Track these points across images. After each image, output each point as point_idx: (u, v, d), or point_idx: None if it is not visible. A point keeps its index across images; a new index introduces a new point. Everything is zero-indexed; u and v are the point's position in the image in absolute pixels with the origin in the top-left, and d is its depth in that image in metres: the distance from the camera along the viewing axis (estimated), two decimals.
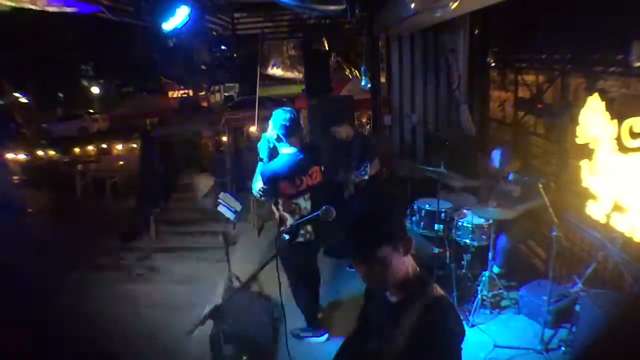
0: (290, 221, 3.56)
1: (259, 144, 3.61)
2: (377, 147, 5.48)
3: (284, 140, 3.53)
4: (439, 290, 1.61)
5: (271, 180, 3.48)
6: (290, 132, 3.51)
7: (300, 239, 3.54)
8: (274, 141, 3.55)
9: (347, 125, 4.93)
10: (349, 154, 4.82)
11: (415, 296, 1.57)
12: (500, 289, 4.25)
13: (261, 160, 3.58)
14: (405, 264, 1.60)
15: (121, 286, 5.38)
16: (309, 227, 3.57)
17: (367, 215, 1.61)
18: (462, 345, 1.54)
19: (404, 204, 4.97)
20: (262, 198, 3.69)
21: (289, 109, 3.63)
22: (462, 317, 2.02)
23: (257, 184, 3.54)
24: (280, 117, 3.48)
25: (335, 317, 4.24)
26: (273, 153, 3.62)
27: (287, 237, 2.97)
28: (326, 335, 3.99)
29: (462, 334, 1.55)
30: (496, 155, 4.43)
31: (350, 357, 1.93)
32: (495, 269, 4.32)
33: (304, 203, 3.62)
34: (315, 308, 4.01)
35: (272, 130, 3.52)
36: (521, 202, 4.17)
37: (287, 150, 3.56)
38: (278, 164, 3.53)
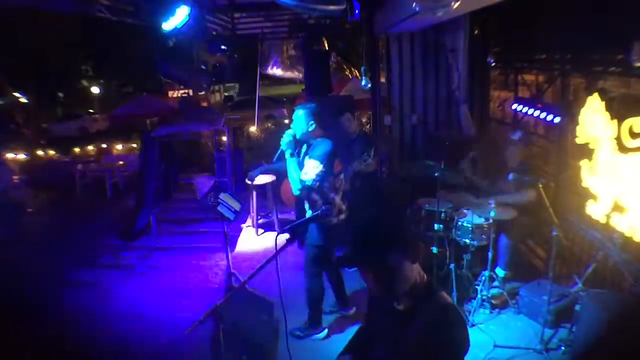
0: (338, 200, 3.70)
1: (283, 141, 3.64)
2: (376, 147, 5.51)
3: (316, 128, 3.66)
4: (446, 299, 1.56)
5: (331, 160, 3.59)
6: (321, 120, 3.68)
7: (334, 220, 3.67)
8: (302, 132, 3.64)
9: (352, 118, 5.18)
10: (350, 150, 4.90)
11: (422, 304, 1.53)
12: (500, 289, 4.25)
13: (293, 155, 3.65)
14: (414, 271, 1.55)
15: (122, 285, 5.39)
16: (343, 206, 3.72)
17: (376, 222, 1.56)
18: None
19: (404, 204, 4.98)
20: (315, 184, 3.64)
21: (305, 104, 3.82)
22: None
23: (313, 170, 3.52)
24: (311, 109, 3.64)
25: (335, 317, 4.24)
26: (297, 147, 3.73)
27: (288, 235, 2.97)
28: (326, 331, 4.01)
29: (468, 344, 1.51)
30: (465, 162, 4.71)
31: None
32: (501, 272, 4.31)
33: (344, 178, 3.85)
34: (321, 302, 4.02)
35: (309, 123, 3.62)
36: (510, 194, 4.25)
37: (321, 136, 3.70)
38: (327, 145, 3.61)
